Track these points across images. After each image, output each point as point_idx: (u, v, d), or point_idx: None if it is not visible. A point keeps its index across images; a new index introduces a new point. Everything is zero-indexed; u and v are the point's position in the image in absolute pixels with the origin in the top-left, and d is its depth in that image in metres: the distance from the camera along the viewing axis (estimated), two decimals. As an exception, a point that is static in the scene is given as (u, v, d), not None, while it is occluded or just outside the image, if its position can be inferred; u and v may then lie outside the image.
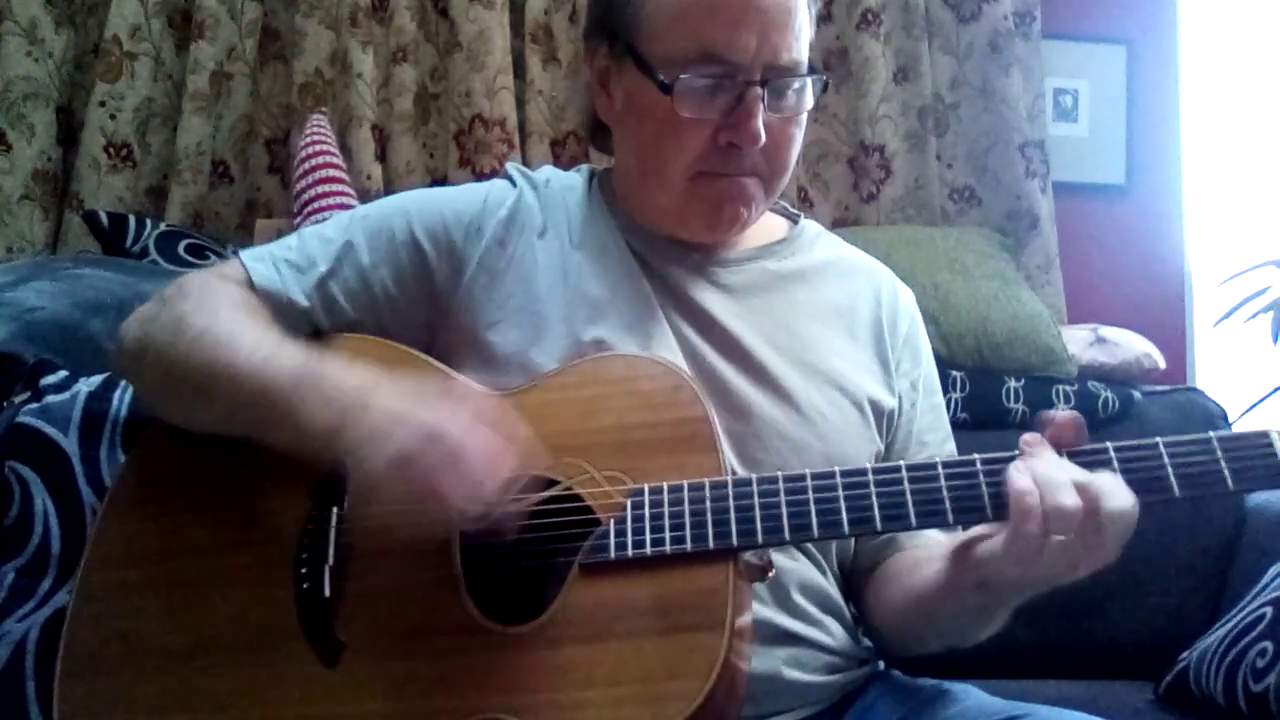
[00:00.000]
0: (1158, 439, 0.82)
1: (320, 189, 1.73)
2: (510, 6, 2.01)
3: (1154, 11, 2.34)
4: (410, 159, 1.98)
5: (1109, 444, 0.83)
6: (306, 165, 1.75)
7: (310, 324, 1.00)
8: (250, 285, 0.99)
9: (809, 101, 0.99)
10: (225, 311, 0.93)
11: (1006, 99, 2.13)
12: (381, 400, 0.83)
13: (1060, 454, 0.82)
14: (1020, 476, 0.79)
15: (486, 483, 0.80)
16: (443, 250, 1.02)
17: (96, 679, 0.88)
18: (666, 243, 1.05)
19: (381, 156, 1.96)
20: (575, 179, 1.11)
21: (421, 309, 1.02)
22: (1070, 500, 0.77)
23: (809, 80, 0.98)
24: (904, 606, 1.00)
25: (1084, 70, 2.29)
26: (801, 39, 0.96)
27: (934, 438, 1.08)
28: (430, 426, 0.81)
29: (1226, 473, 0.80)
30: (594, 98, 1.05)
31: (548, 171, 1.11)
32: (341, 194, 1.74)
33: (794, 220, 1.14)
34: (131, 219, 1.72)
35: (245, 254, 1.02)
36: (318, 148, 1.77)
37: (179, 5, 1.93)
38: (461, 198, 1.06)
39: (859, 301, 1.08)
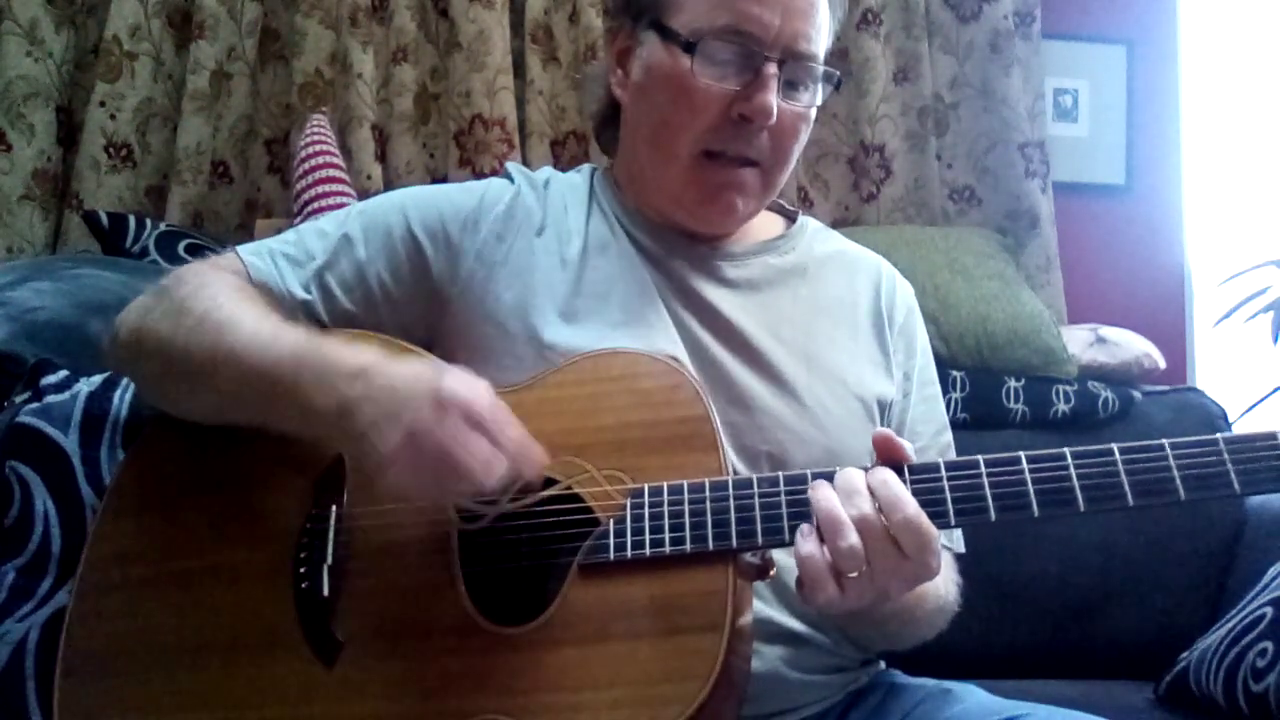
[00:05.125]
0: (1164, 440, 0.80)
1: (320, 189, 1.73)
2: (510, 6, 2.01)
3: (1154, 11, 2.34)
4: (410, 159, 1.98)
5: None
6: (306, 165, 1.75)
7: (309, 317, 0.99)
8: (247, 278, 0.99)
9: (819, 99, 1.03)
10: (224, 297, 0.92)
11: (1006, 99, 2.13)
12: (384, 380, 0.80)
13: (901, 473, 0.80)
14: (804, 541, 0.78)
15: (504, 442, 0.79)
16: (440, 245, 1.02)
17: (95, 679, 0.88)
18: (671, 235, 1.05)
19: (381, 156, 1.96)
20: (576, 178, 1.12)
21: (419, 305, 1.02)
22: (850, 542, 0.76)
23: (821, 82, 1.01)
24: None
25: (1084, 70, 2.28)
26: (821, 35, 1.01)
27: (927, 429, 1.08)
28: (441, 394, 0.78)
29: (1233, 475, 0.78)
30: (609, 76, 1.07)
31: (547, 172, 1.12)
32: (341, 194, 1.73)
33: (791, 218, 1.15)
34: (131, 219, 1.71)
35: (242, 249, 1.02)
36: (318, 148, 1.77)
37: (179, 5, 1.93)
38: (458, 193, 1.07)
39: (859, 293, 1.10)
